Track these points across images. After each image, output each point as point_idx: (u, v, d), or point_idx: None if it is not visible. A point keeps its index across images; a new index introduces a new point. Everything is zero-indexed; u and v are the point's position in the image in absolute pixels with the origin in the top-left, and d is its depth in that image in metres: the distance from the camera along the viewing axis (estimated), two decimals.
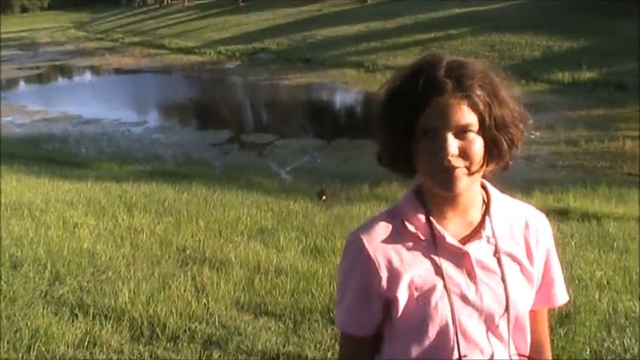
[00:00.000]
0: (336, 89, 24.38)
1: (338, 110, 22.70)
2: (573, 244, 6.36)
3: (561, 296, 1.61)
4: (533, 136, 14.35)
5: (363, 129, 17.36)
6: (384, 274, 1.47)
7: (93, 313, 4.29)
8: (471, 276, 1.47)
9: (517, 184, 9.81)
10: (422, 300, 1.46)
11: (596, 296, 4.62)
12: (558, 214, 7.89)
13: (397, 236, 1.50)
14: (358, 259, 1.50)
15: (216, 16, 47.32)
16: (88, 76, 33.09)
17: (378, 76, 24.46)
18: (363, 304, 1.51)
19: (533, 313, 1.59)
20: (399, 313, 1.47)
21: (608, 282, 5.02)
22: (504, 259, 1.49)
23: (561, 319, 4.13)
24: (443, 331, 1.45)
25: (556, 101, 18.61)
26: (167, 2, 63.00)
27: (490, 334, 1.48)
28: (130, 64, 34.24)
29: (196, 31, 42.97)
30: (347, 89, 24.09)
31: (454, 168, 1.38)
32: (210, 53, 35.55)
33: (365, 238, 1.50)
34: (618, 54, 21.59)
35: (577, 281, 4.98)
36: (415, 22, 32.13)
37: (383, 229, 1.51)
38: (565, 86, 20.59)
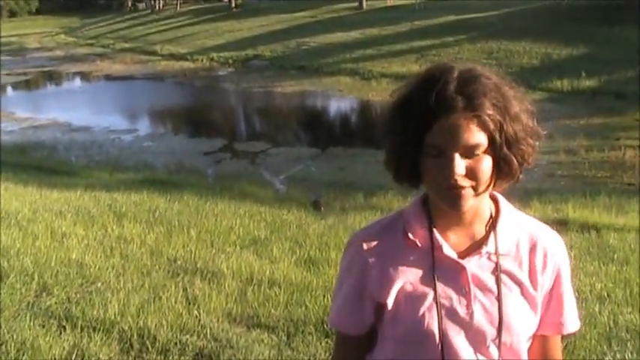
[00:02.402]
0: (331, 97, 24.42)
1: (332, 118, 22.73)
2: (572, 255, 6.34)
3: (570, 324, 1.56)
4: None
5: (358, 137, 17.44)
6: (377, 279, 1.49)
7: (81, 325, 4.26)
8: (465, 291, 1.46)
9: (515, 194, 9.76)
10: (410, 308, 1.46)
11: (596, 309, 4.61)
12: (557, 225, 7.85)
13: (396, 242, 1.51)
14: (355, 261, 1.53)
15: (209, 22, 47.41)
16: (77, 82, 33.12)
17: (373, 84, 24.56)
18: (355, 304, 1.54)
19: (542, 339, 1.56)
20: (388, 319, 1.48)
21: (608, 294, 5.02)
22: (504, 279, 1.47)
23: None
24: (428, 343, 1.44)
25: (555, 110, 18.63)
26: (159, 8, 63.12)
27: (479, 354, 1.46)
28: (121, 71, 34.26)
29: (188, 37, 43.03)
30: (341, 97, 24.13)
31: (460, 187, 1.37)
32: (202, 60, 35.60)
33: (364, 242, 1.53)
34: (618, 62, 21.70)
35: (577, 293, 4.92)
36: (411, 29, 32.24)
37: (383, 233, 1.53)
38: (564, 94, 20.66)
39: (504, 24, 29.48)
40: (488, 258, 1.48)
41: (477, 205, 1.44)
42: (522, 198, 9.84)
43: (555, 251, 1.54)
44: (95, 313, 4.44)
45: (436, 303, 1.44)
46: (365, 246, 1.52)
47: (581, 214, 8.52)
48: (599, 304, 4.73)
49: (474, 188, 1.39)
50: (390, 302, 1.47)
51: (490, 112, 1.36)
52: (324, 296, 4.78)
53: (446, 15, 33.45)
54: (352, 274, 1.53)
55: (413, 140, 1.38)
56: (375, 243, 1.52)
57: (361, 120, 21.06)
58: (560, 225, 7.94)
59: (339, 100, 23.96)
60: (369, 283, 1.50)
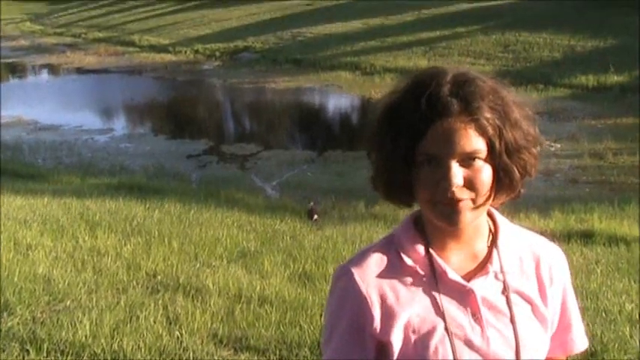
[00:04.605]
0: (329, 94, 24.45)
1: (331, 118, 22.76)
2: (599, 271, 6.36)
3: (580, 342, 1.60)
4: (553, 148, 14.42)
5: (360, 139, 17.40)
6: (377, 314, 1.45)
7: (47, 348, 4.24)
8: (476, 317, 1.45)
9: (533, 203, 9.84)
10: (420, 344, 1.43)
11: (627, 332, 4.61)
12: (581, 238, 7.89)
13: (393, 270, 1.48)
14: (348, 296, 1.48)
15: (194, 9, 47.49)
16: (45, 76, 33.12)
17: (376, 80, 24.58)
18: (353, 347, 1.48)
19: None
20: (395, 359, 1.45)
21: None
22: (514, 298, 1.48)
23: (586, 358, 4.12)
24: None
25: (579, 108, 18.70)
26: None
27: None
28: (94, 63, 34.25)
29: (170, 26, 43.09)
30: (341, 94, 24.16)
31: (458, 200, 1.37)
32: (186, 52, 35.62)
33: (356, 272, 1.48)
34: None
35: (604, 314, 4.97)
36: (418, 19, 32.32)
37: (377, 261, 1.50)
38: (589, 91, 20.72)
39: (523, 13, 29.55)
40: (495, 277, 1.48)
41: (475, 220, 1.44)
42: (542, 207, 9.87)
43: (560, 266, 1.57)
44: (64, 334, 4.43)
45: (448, 334, 1.43)
46: (357, 278, 1.47)
47: (608, 226, 8.53)
48: (629, 327, 4.72)
49: (473, 201, 1.39)
50: (395, 340, 1.44)
51: (488, 115, 1.36)
52: (320, 315, 4.77)
53: (457, 2, 33.51)
54: (346, 311, 1.48)
55: (404, 151, 1.37)
56: (368, 274, 1.48)
57: (363, 120, 21.06)
58: (585, 237, 7.96)
59: (339, 98, 23.99)
60: (368, 320, 1.46)
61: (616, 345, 4.34)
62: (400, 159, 1.39)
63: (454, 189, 1.35)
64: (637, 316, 4.99)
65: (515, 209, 7.93)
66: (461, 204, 1.37)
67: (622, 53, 22.54)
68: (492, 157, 1.38)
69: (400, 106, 1.40)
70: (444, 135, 1.35)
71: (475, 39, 27.77)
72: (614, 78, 20.96)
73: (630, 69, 21.16)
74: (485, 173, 1.38)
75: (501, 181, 1.41)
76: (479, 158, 1.37)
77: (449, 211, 1.38)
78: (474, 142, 1.36)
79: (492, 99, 1.38)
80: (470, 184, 1.37)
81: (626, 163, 13.82)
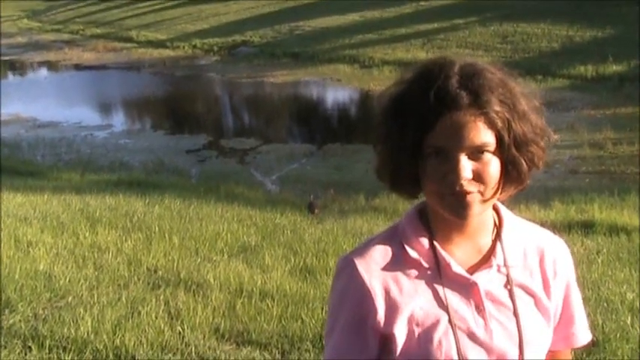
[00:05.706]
0: (328, 87, 24.42)
1: (330, 111, 22.73)
2: (600, 261, 6.36)
3: (582, 336, 1.61)
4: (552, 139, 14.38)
5: (359, 132, 17.42)
6: (380, 306, 1.45)
7: (50, 345, 4.25)
8: (480, 309, 1.45)
9: (534, 194, 9.83)
10: (423, 337, 1.43)
11: (628, 321, 4.61)
12: (582, 228, 7.89)
13: (396, 262, 1.48)
14: (351, 288, 1.48)
15: (191, 4, 47.32)
16: (43, 72, 33.02)
17: (375, 72, 24.56)
18: (355, 339, 1.48)
19: (552, 355, 1.58)
20: (398, 352, 1.44)
21: None
22: (517, 292, 1.48)
23: (589, 348, 4.12)
24: None
25: (578, 99, 18.67)
26: None
27: None
28: (92, 60, 34.20)
29: (168, 21, 43.00)
30: (340, 87, 24.13)
31: (467, 193, 1.37)
32: (184, 47, 35.57)
33: (359, 263, 1.48)
34: None
35: (605, 304, 4.97)
36: (416, 11, 32.25)
37: (380, 253, 1.49)
38: (588, 81, 20.70)
39: (521, 4, 29.43)
40: (498, 270, 1.48)
41: (483, 213, 1.44)
42: (542, 198, 9.86)
43: (564, 259, 1.57)
44: (65, 331, 4.43)
45: (452, 327, 1.43)
46: (361, 269, 1.47)
47: (608, 215, 8.52)
48: (631, 316, 4.72)
49: (481, 194, 1.38)
50: (399, 332, 1.44)
51: (497, 108, 1.36)
52: (322, 309, 4.77)
53: None
54: (348, 303, 1.48)
55: (411, 143, 1.37)
56: (372, 265, 1.47)
57: (362, 113, 21.04)
58: (586, 228, 7.95)
59: (337, 91, 23.97)
60: (371, 312, 1.45)
61: (617, 334, 4.34)
62: (407, 151, 1.38)
63: (463, 182, 1.35)
64: (638, 306, 4.99)
65: (516, 200, 7.80)
66: (469, 197, 1.37)
67: (620, 43, 22.51)
68: (501, 150, 1.38)
69: (407, 97, 1.40)
70: (453, 128, 1.34)
71: (473, 30, 27.72)
72: (612, 68, 20.93)
73: (629, 59, 21.13)
74: (493, 166, 1.37)
75: (509, 174, 1.41)
76: (487, 151, 1.36)
77: (457, 203, 1.38)
78: (483, 135, 1.35)
79: (502, 92, 1.37)
80: (478, 177, 1.37)
81: (626, 152, 13.81)
